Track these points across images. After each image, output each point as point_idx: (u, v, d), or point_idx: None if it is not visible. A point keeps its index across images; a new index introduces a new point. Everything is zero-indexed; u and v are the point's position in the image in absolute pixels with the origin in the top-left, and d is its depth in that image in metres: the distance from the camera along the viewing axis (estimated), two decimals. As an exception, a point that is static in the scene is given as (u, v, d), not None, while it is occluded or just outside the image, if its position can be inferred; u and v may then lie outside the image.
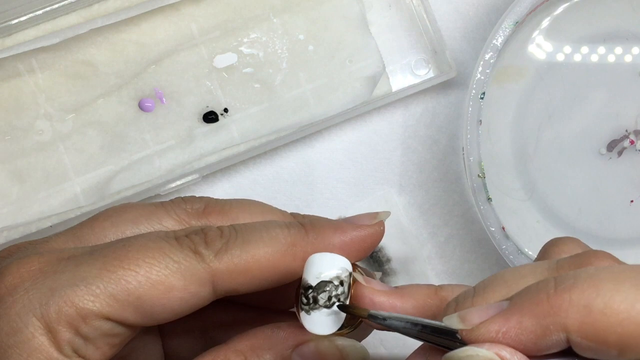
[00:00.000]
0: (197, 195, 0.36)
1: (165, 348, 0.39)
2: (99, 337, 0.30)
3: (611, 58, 0.48)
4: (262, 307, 0.40)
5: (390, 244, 0.49)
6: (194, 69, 0.47)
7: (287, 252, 0.32)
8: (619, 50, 0.48)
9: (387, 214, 0.35)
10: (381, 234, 0.34)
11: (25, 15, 0.45)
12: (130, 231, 0.34)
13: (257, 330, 0.33)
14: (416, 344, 0.32)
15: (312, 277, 0.31)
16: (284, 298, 0.39)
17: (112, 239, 0.34)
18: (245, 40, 0.47)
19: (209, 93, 0.47)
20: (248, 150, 0.47)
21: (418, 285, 0.33)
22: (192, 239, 0.32)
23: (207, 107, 0.47)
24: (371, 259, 0.49)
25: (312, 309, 0.31)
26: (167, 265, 0.31)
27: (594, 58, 0.48)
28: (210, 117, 0.47)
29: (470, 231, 0.50)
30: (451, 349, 0.28)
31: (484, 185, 0.45)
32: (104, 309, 0.30)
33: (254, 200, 0.37)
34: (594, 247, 0.48)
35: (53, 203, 0.46)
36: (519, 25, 0.46)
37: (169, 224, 0.34)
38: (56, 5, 0.45)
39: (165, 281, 0.30)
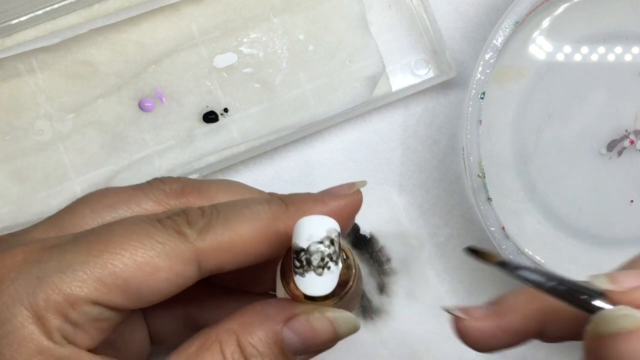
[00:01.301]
0: (174, 176, 0.36)
1: (150, 331, 0.39)
2: (88, 322, 0.30)
3: (611, 58, 0.48)
4: (241, 289, 0.40)
5: (390, 244, 0.49)
6: (194, 69, 0.47)
7: (269, 227, 0.32)
8: (619, 50, 0.48)
9: (364, 182, 0.35)
10: (359, 202, 0.34)
11: (25, 15, 0.45)
12: (109, 216, 0.34)
13: (246, 309, 0.33)
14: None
15: (303, 240, 0.31)
16: (262, 280, 0.39)
17: (93, 226, 0.34)
18: (245, 40, 0.47)
19: (209, 93, 0.47)
20: (248, 150, 0.47)
21: (514, 293, 0.32)
22: (174, 220, 0.32)
23: (207, 107, 0.47)
24: (371, 259, 0.49)
25: (306, 271, 0.31)
26: (151, 246, 0.31)
27: (594, 58, 0.48)
28: (210, 117, 0.47)
29: (470, 231, 0.50)
30: (585, 310, 0.27)
31: (484, 185, 0.45)
32: (91, 293, 0.30)
33: (231, 180, 0.37)
34: (594, 247, 0.49)
35: (53, 203, 0.46)
36: (519, 25, 0.46)
37: (148, 205, 0.34)
38: (56, 5, 0.45)
39: (151, 262, 0.30)
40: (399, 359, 0.49)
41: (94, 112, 0.47)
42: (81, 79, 0.46)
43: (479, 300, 0.50)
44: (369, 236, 0.49)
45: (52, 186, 0.46)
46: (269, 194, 0.37)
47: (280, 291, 0.34)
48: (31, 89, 0.46)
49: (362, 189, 0.50)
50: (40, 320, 0.29)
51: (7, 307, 0.29)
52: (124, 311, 0.31)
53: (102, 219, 0.34)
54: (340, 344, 0.47)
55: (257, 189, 0.37)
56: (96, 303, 0.30)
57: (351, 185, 0.35)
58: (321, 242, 0.31)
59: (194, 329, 0.41)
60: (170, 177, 0.36)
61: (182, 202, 0.35)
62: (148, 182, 0.36)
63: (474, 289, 0.50)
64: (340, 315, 0.33)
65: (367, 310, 0.49)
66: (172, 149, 0.47)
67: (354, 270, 0.34)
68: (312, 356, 0.34)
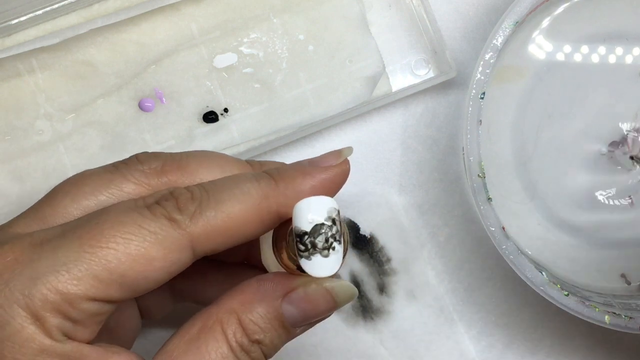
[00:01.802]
0: (150, 152, 0.36)
1: (139, 306, 0.40)
2: (86, 317, 0.30)
3: (611, 58, 0.48)
4: (217, 259, 0.40)
5: (390, 244, 0.49)
6: (194, 69, 0.47)
7: (261, 206, 0.32)
8: (619, 50, 0.48)
9: (350, 150, 0.35)
10: (347, 172, 0.34)
11: (25, 15, 0.45)
12: (92, 203, 0.34)
13: (243, 286, 0.33)
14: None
15: (305, 223, 0.31)
16: (237, 251, 0.39)
17: (76, 215, 0.33)
18: (245, 40, 0.47)
19: (209, 93, 0.47)
20: (248, 150, 0.47)
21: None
22: (164, 206, 0.31)
23: (207, 107, 0.47)
24: (371, 259, 0.49)
25: (312, 254, 0.31)
26: (144, 238, 0.30)
27: (594, 58, 0.48)
28: (210, 117, 0.47)
29: (470, 231, 0.50)
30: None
31: (484, 185, 0.45)
32: (88, 291, 0.30)
33: (209, 151, 0.36)
34: (594, 247, 0.49)
35: (53, 203, 0.46)
36: (519, 25, 0.46)
37: (130, 188, 0.34)
38: (56, 5, 0.45)
39: (145, 254, 0.30)
40: (399, 359, 0.49)
41: (94, 112, 0.47)
42: (81, 79, 0.46)
43: (479, 300, 0.50)
44: (369, 236, 0.49)
45: (52, 186, 0.46)
46: (247, 162, 0.37)
47: (270, 261, 0.34)
48: (31, 89, 0.46)
49: (361, 188, 0.50)
50: (39, 320, 0.29)
51: (5, 309, 0.29)
52: (121, 302, 0.32)
53: (84, 207, 0.34)
54: (340, 344, 0.47)
55: (235, 158, 0.36)
56: (93, 299, 0.30)
57: (338, 154, 0.34)
58: (323, 224, 0.31)
59: (180, 299, 0.41)
60: (146, 154, 0.35)
61: (164, 181, 0.34)
62: (124, 162, 0.35)
63: (474, 289, 0.50)
64: (338, 284, 0.33)
65: (367, 310, 0.49)
66: (172, 149, 0.47)
67: (346, 237, 0.34)
68: (313, 325, 0.34)
